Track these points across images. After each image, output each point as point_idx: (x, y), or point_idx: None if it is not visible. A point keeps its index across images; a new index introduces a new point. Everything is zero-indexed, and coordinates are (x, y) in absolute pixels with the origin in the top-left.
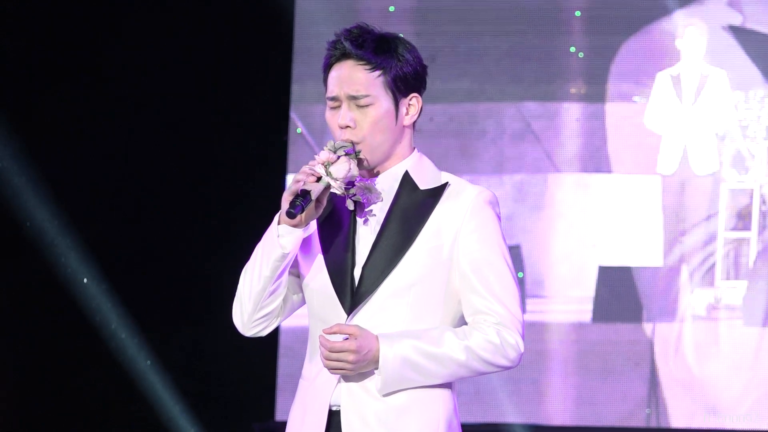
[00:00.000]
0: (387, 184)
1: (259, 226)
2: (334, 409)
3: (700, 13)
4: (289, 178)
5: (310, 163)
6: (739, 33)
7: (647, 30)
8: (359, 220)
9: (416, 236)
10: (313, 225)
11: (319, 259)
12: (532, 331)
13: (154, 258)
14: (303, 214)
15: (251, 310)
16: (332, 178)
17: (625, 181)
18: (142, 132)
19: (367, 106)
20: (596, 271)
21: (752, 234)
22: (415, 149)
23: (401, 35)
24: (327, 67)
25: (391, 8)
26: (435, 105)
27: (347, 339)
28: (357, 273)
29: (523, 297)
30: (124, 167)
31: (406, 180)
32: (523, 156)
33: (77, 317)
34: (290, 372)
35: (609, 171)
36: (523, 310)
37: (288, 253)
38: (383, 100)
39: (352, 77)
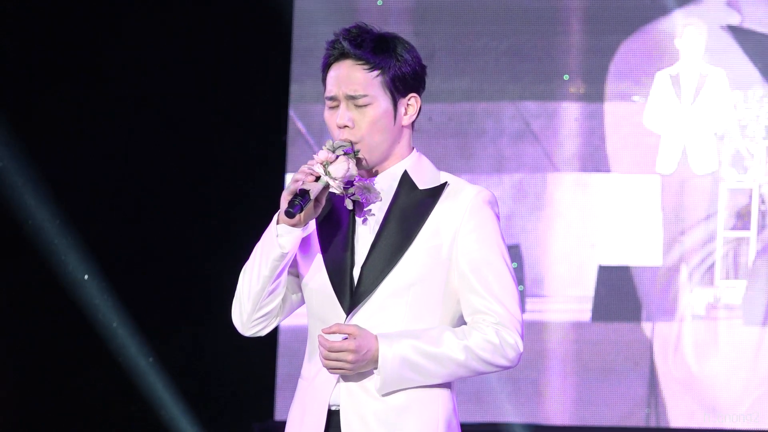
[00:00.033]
0: (386, 184)
1: (258, 226)
2: (333, 408)
3: (699, 12)
4: (288, 178)
5: (309, 162)
6: (738, 32)
7: (646, 29)
8: (358, 220)
9: (415, 236)
10: (312, 224)
11: (318, 259)
12: (532, 331)
13: (154, 258)
14: (302, 214)
15: (250, 309)
16: (331, 178)
17: (624, 180)
18: (142, 132)
19: (365, 105)
20: (595, 270)
21: (751, 233)
22: (414, 149)
23: (400, 35)
24: (326, 67)
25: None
26: (434, 104)
27: (346, 339)
28: (356, 273)
29: (522, 297)
30: (124, 167)
31: (405, 180)
32: (522, 155)
33: (77, 317)
34: (289, 371)
35: (608, 170)
36: (523, 310)
37: (287, 253)
38: (382, 100)
39: (350, 77)
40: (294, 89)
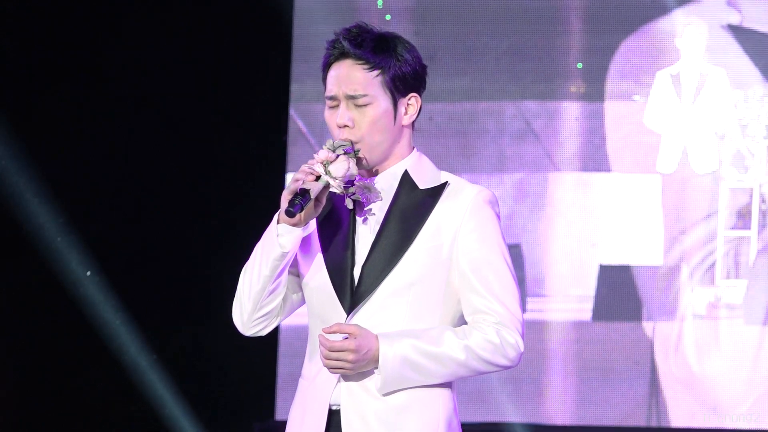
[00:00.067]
0: (386, 184)
1: (259, 226)
2: (334, 408)
3: (699, 11)
4: (289, 178)
5: (309, 162)
6: (739, 32)
7: (646, 29)
8: (359, 219)
9: (416, 235)
10: (313, 224)
11: (319, 258)
12: (532, 330)
13: (154, 258)
14: (302, 213)
15: (251, 309)
16: (331, 177)
17: (625, 180)
18: (142, 132)
19: (365, 105)
20: (596, 269)
21: (752, 233)
22: (415, 149)
23: (400, 35)
24: (326, 67)
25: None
26: (435, 104)
27: (347, 338)
28: (356, 272)
29: (523, 296)
30: (124, 167)
31: (406, 179)
32: (523, 155)
33: (77, 317)
34: (290, 371)
35: (609, 170)
36: (523, 310)
37: (287, 252)
38: (382, 100)
39: (350, 77)
40: (294, 88)
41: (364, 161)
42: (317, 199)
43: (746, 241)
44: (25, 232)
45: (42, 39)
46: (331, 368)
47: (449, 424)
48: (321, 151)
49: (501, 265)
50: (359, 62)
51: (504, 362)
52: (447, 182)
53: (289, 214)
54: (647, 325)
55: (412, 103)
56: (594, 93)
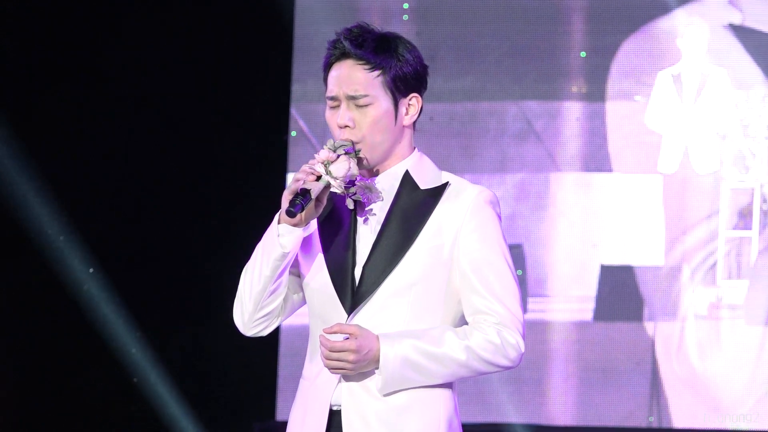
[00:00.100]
0: (387, 184)
1: (259, 226)
2: (334, 408)
3: (700, 11)
4: (290, 178)
5: (310, 162)
6: (740, 32)
7: (648, 29)
8: (359, 220)
9: (417, 236)
10: (314, 224)
11: (320, 259)
12: (534, 331)
13: (154, 258)
14: (303, 213)
15: (252, 309)
16: (332, 177)
17: (627, 180)
18: (142, 132)
19: (366, 105)
20: (598, 270)
21: (753, 233)
22: (416, 149)
23: (401, 35)
24: (327, 67)
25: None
26: (436, 104)
27: (347, 338)
28: (357, 272)
29: (524, 296)
30: (124, 167)
31: (407, 180)
32: (525, 155)
33: (77, 317)
34: (291, 371)
35: (610, 170)
36: (524, 310)
37: (288, 253)
38: (382, 100)
39: (351, 77)
40: (296, 88)
41: (364, 161)
42: (318, 199)
43: (747, 242)
44: (25, 232)
45: (42, 39)
46: (331, 368)
47: (450, 424)
48: (322, 151)
49: (502, 265)
50: (360, 62)
51: (505, 363)
52: (448, 182)
53: (290, 214)
54: (648, 326)
55: (413, 104)
56: (595, 93)
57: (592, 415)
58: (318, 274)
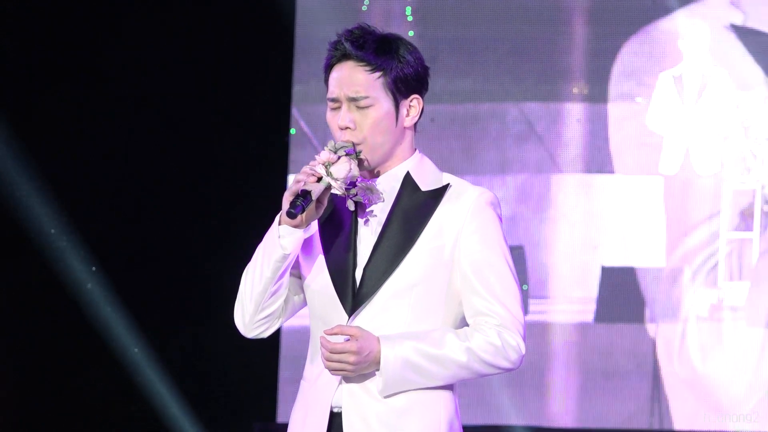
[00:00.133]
0: (388, 185)
1: (259, 226)
2: (335, 410)
3: (701, 12)
4: (291, 179)
5: (311, 163)
6: (742, 32)
7: (649, 30)
8: (360, 221)
9: (417, 237)
10: (314, 226)
11: (321, 260)
12: (535, 332)
13: (154, 258)
14: (303, 215)
15: (252, 311)
16: (333, 179)
17: (628, 181)
18: (142, 132)
19: (367, 107)
20: (599, 271)
21: (754, 234)
22: (417, 150)
23: (402, 36)
24: (328, 68)
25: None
26: (437, 105)
27: (348, 340)
28: (358, 274)
29: (526, 298)
30: (124, 167)
31: (408, 181)
32: (526, 157)
33: (77, 317)
34: (292, 373)
35: (611, 171)
36: (525, 312)
37: (289, 254)
38: (383, 102)
39: (352, 78)
40: (297, 90)
41: (365, 162)
42: (319, 200)
43: (749, 243)
44: (25, 232)
45: (42, 39)
46: (332, 370)
47: (451, 426)
48: (322, 152)
49: (502, 266)
50: (361, 64)
51: (505, 364)
52: (449, 184)
53: (291, 215)
54: (650, 327)
55: (414, 105)
56: (597, 94)
57: (593, 416)
58: (319, 275)
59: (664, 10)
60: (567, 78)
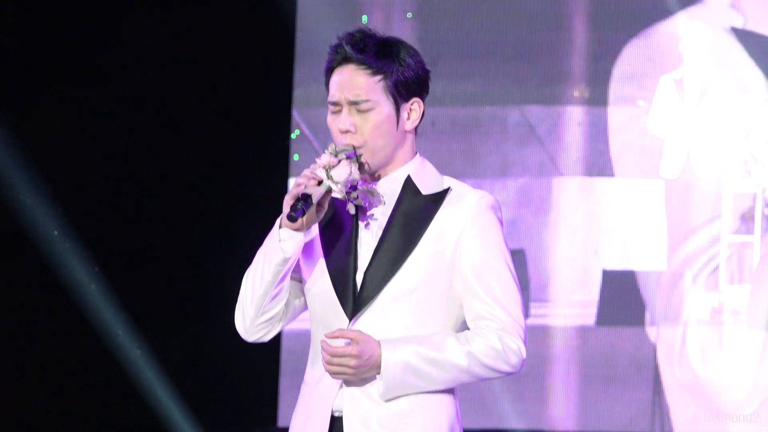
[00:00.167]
0: (389, 189)
1: (259, 227)
2: (336, 414)
3: (702, 15)
4: (291, 182)
5: (311, 166)
6: (743, 36)
7: (650, 33)
8: (361, 225)
9: (418, 241)
10: (315, 229)
11: (321, 264)
12: (536, 336)
13: (154, 258)
14: (304, 218)
15: (253, 314)
16: (333, 182)
17: (629, 184)
18: (142, 132)
19: (367, 110)
20: (600, 274)
21: (755, 237)
22: (417, 154)
23: (404, 40)
24: (329, 71)
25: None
26: (438, 109)
27: (349, 344)
28: (359, 277)
29: (526, 301)
30: (124, 167)
31: (408, 185)
32: (527, 160)
33: (77, 317)
34: (293, 377)
35: (612, 175)
36: (526, 315)
37: (289, 258)
38: (384, 105)
39: (352, 82)
40: (298, 93)
41: (366, 166)
42: (319, 204)
43: (749, 246)
44: (25, 232)
45: (42, 39)
46: (333, 374)
47: (451, 430)
48: (323, 155)
49: (503, 270)
50: (362, 67)
51: (506, 368)
52: (449, 187)
53: (291, 218)
54: (650, 330)
55: (414, 108)
56: (597, 98)
57: (594, 420)
58: (319, 279)
59: (665, 13)
60: (568, 81)
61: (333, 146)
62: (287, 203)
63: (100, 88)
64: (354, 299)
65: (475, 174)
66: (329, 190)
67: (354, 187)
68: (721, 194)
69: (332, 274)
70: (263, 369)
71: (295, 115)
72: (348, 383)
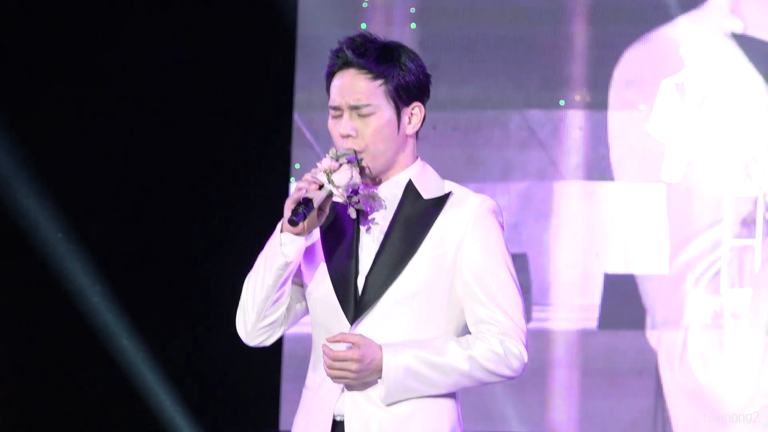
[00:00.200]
0: (390, 193)
1: (259, 227)
2: (337, 419)
3: (703, 20)
4: (293, 185)
5: (312, 170)
6: (743, 40)
7: (651, 37)
8: (362, 229)
9: (419, 245)
10: (316, 233)
11: (322, 268)
12: (537, 340)
13: (154, 258)
14: (305, 222)
15: (254, 319)
16: (334, 186)
17: (630, 188)
18: (142, 132)
19: (368, 115)
20: (601, 278)
21: (757, 241)
22: (419, 158)
23: (404, 44)
24: (329, 76)
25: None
26: (439, 113)
27: (350, 348)
28: (360, 282)
29: (528, 305)
30: (124, 167)
31: (410, 189)
32: (528, 164)
33: (77, 317)
34: (295, 381)
35: (613, 179)
36: (527, 319)
37: (291, 262)
38: (385, 110)
39: (353, 86)
40: (299, 97)
41: (367, 170)
42: (320, 208)
43: (751, 250)
44: (25, 232)
45: (42, 39)
46: (334, 378)
47: None
48: (324, 159)
49: (504, 274)
50: (362, 72)
51: (508, 373)
52: (451, 192)
53: (292, 223)
54: (652, 334)
55: (415, 113)
56: (599, 102)
57: (596, 424)
58: (321, 283)
59: (666, 18)
60: (569, 85)
61: (334, 150)
62: (288, 207)
63: (100, 88)
64: (355, 303)
65: (476, 178)
66: (330, 195)
67: (355, 192)
68: (722, 198)
69: (333, 279)
70: (264, 371)
71: (296, 117)
72: (349, 387)
